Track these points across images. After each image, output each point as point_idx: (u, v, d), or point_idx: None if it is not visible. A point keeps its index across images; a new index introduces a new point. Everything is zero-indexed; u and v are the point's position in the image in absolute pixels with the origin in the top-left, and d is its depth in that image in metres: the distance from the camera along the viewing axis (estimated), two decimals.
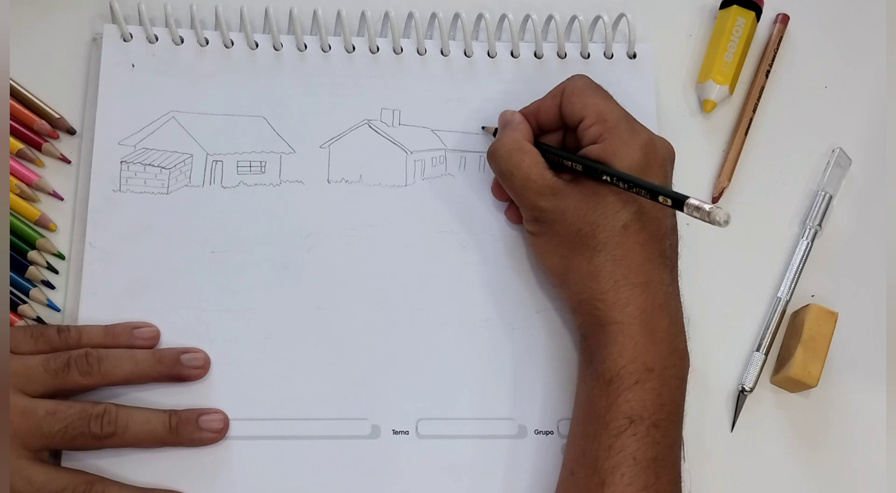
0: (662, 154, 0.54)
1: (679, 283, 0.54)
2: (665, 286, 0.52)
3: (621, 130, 0.53)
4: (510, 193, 0.56)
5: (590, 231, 0.52)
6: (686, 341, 0.53)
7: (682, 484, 0.55)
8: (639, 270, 0.52)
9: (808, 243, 0.61)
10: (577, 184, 0.53)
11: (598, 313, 0.52)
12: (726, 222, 0.48)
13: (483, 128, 0.60)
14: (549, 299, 0.58)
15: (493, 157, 0.56)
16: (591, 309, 0.52)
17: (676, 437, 0.51)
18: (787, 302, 0.60)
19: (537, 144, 0.56)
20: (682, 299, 0.54)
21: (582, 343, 0.54)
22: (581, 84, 0.55)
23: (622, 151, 0.52)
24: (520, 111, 0.58)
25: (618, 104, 0.55)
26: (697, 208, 0.49)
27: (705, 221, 0.49)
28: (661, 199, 0.51)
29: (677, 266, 0.54)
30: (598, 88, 0.55)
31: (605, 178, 0.52)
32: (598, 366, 0.51)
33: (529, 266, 0.59)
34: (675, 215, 0.55)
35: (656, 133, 0.61)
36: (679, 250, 0.55)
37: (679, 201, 0.50)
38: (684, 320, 0.53)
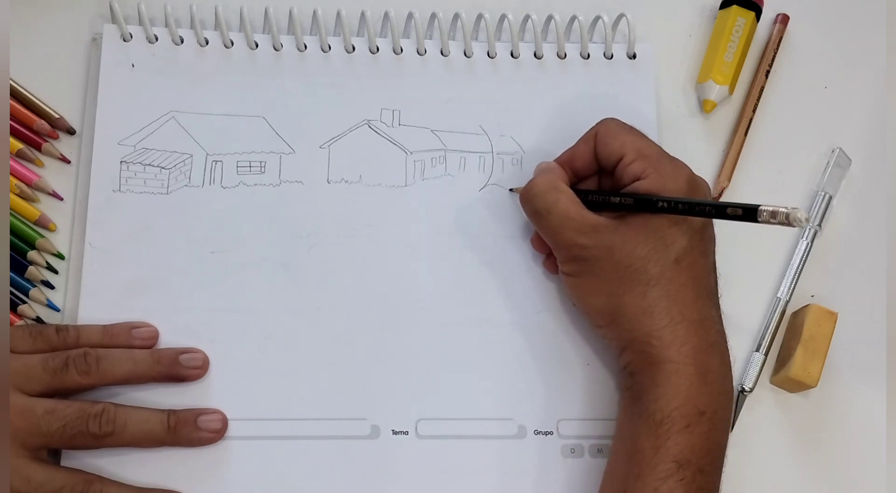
0: (703, 188, 0.54)
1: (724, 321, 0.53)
2: (716, 324, 0.52)
3: (664, 164, 0.53)
4: (546, 235, 0.55)
5: (641, 266, 0.51)
6: (732, 382, 0.52)
7: None
8: (693, 306, 0.51)
9: (807, 243, 0.61)
10: (623, 221, 0.52)
11: (652, 351, 0.51)
12: (807, 221, 0.47)
13: (511, 190, 0.60)
14: (548, 299, 0.58)
15: (526, 197, 0.55)
16: (645, 347, 0.51)
17: (717, 482, 0.50)
18: (787, 302, 0.60)
19: (576, 190, 0.55)
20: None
21: (627, 380, 0.52)
22: (614, 125, 0.55)
23: (669, 184, 0.52)
24: (554, 160, 0.57)
25: (653, 141, 0.55)
26: (774, 214, 0.48)
27: (784, 224, 0.47)
28: (729, 211, 0.50)
29: (720, 306, 0.53)
30: (631, 127, 0.55)
31: (661, 205, 0.51)
32: (649, 405, 0.50)
33: (529, 266, 0.59)
34: (715, 252, 0.54)
35: (657, 135, 0.61)
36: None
37: (751, 211, 0.48)
38: (731, 359, 0.52)
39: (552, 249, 0.55)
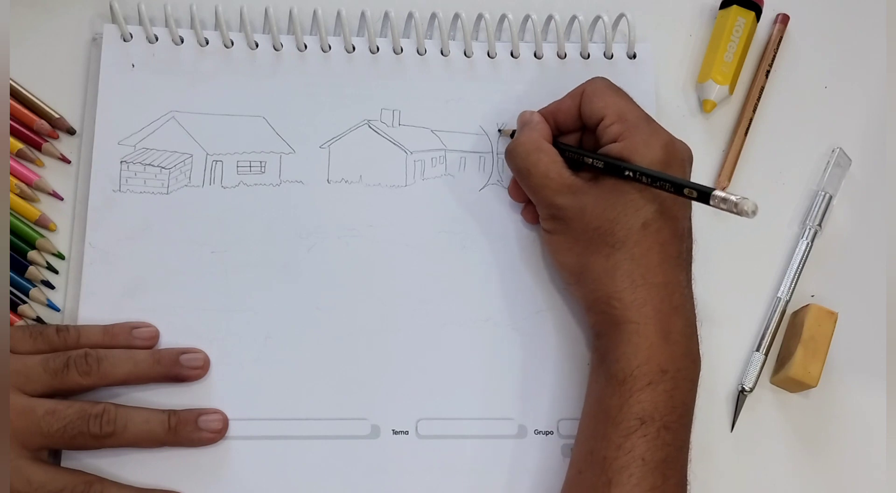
0: (682, 155, 0.54)
1: (693, 287, 0.54)
2: (681, 288, 0.52)
3: (642, 129, 0.53)
4: (528, 192, 0.56)
5: (609, 228, 0.52)
6: (699, 344, 0.53)
7: None
8: (657, 270, 0.52)
9: (808, 243, 0.61)
10: (597, 182, 0.54)
11: (613, 312, 0.52)
12: (754, 213, 0.48)
13: (500, 130, 0.60)
14: (548, 298, 0.58)
15: (511, 156, 0.56)
16: (607, 308, 0.52)
17: (685, 440, 0.51)
18: (787, 302, 0.60)
19: (556, 143, 0.56)
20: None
21: (595, 342, 0.54)
22: (601, 85, 0.56)
23: (643, 149, 0.53)
24: (538, 111, 0.58)
25: (637, 105, 0.55)
26: (724, 200, 0.49)
27: (732, 212, 0.48)
28: (686, 191, 0.51)
29: (691, 270, 0.54)
30: (619, 89, 0.56)
31: (627, 173, 0.52)
32: (612, 365, 0.51)
33: (529, 266, 0.59)
34: (691, 218, 0.55)
35: None
36: (693, 253, 0.55)
37: (705, 194, 0.50)
38: (697, 323, 0.53)
39: (535, 205, 0.56)
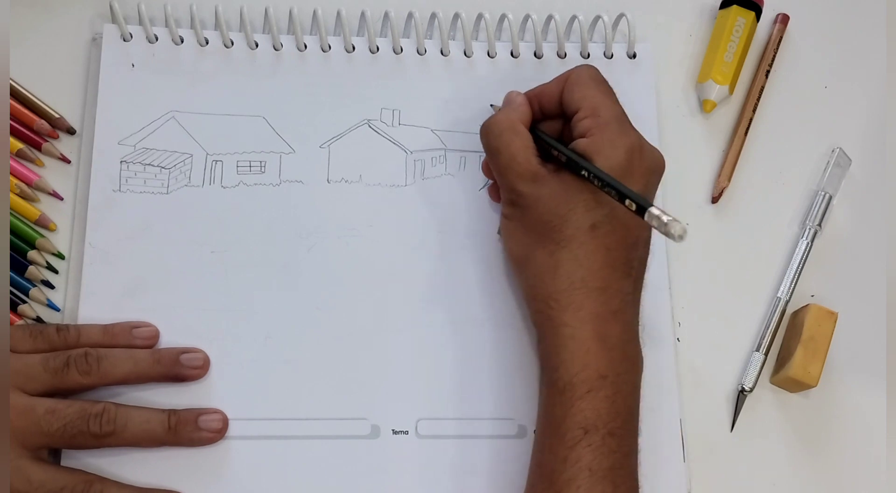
0: (648, 163, 0.53)
1: (641, 295, 0.53)
2: (623, 294, 0.51)
3: (611, 128, 0.52)
4: (494, 172, 0.55)
5: (558, 225, 0.51)
6: (639, 347, 0.52)
7: (682, 484, 0.55)
8: (598, 274, 0.51)
9: (807, 243, 0.61)
10: (559, 175, 0.53)
11: (550, 313, 0.51)
12: (681, 238, 0.47)
13: (491, 105, 0.60)
14: None
15: (484, 132, 0.55)
16: (544, 307, 0.51)
17: (633, 445, 0.50)
18: (787, 302, 0.60)
19: (533, 129, 0.55)
20: (642, 309, 0.53)
21: (538, 346, 0.53)
22: (585, 75, 0.54)
23: (607, 150, 0.51)
24: (524, 93, 0.57)
25: (616, 102, 0.54)
26: (657, 218, 0.48)
27: (661, 232, 0.48)
28: (626, 203, 0.49)
29: (643, 279, 0.53)
30: (601, 81, 0.55)
31: (582, 173, 0.51)
32: (552, 373, 0.50)
33: None
34: (650, 229, 0.53)
35: (657, 134, 0.61)
36: (648, 263, 0.54)
37: (642, 208, 0.49)
38: (639, 327, 0.52)
39: (500, 187, 0.55)
